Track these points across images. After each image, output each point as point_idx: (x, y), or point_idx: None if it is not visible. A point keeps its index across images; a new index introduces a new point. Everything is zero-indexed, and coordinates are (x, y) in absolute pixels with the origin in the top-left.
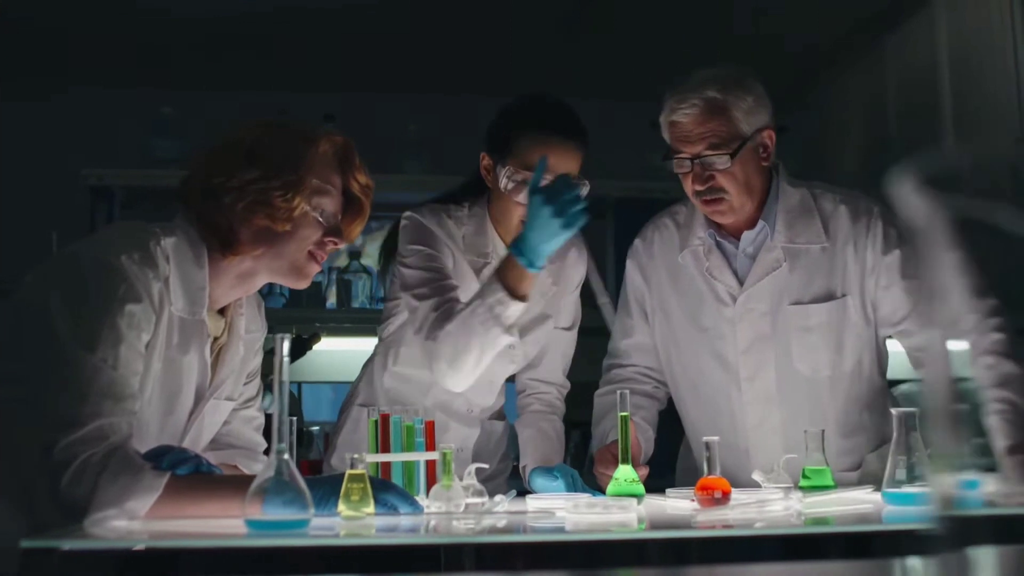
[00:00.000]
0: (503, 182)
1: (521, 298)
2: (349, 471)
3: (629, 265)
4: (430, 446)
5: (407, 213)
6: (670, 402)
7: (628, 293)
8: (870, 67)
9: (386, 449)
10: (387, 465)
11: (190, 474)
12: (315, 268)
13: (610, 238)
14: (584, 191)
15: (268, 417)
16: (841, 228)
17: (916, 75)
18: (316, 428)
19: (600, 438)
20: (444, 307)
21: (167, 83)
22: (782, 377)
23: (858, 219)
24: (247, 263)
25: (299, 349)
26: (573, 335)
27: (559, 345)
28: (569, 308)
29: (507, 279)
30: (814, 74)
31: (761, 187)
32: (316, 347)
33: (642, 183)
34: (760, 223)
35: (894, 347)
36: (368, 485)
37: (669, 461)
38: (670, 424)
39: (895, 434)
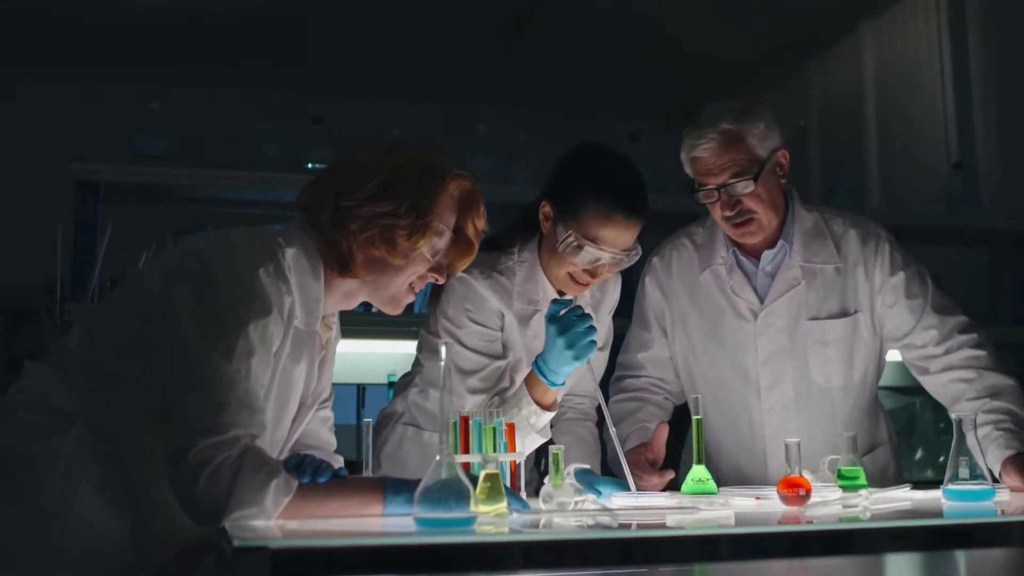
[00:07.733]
0: (561, 245)
1: (549, 408)
2: (485, 471)
3: (647, 282)
4: (512, 447)
5: (459, 275)
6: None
7: (646, 308)
8: (792, 90)
9: (466, 450)
10: (466, 466)
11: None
12: (411, 298)
13: None
14: (635, 258)
15: None
16: (852, 250)
17: (840, 99)
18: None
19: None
20: (492, 404)
21: (155, 79)
22: (799, 387)
23: (867, 242)
24: (353, 284)
25: None
26: (605, 355)
27: (591, 364)
28: (601, 331)
29: (533, 393)
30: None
31: (782, 204)
32: None
33: None
34: (780, 242)
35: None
36: (501, 484)
37: (672, 463)
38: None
39: (955, 436)
